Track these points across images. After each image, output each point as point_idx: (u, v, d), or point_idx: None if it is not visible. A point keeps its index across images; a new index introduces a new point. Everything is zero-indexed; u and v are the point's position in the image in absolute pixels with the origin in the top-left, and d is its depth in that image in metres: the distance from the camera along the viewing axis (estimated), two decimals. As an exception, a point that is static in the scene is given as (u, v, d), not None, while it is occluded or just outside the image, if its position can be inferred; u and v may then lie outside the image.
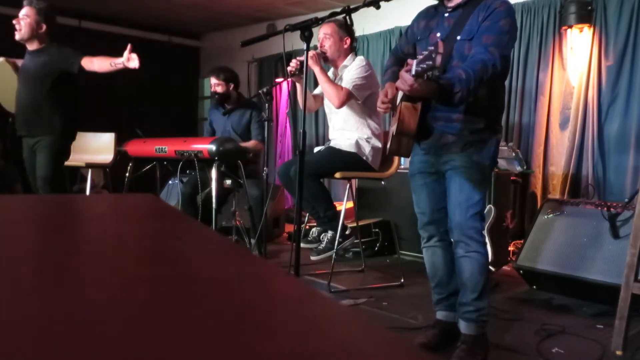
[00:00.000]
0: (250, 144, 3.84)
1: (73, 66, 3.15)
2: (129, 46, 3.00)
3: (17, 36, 3.20)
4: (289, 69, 2.94)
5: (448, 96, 1.83)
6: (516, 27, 2.00)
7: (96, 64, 3.10)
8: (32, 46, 3.26)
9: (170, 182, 4.87)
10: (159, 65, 7.18)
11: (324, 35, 3.12)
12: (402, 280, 3.24)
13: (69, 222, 1.00)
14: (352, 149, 3.05)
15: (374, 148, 3.09)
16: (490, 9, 1.94)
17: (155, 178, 4.45)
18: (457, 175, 2.04)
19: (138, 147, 3.81)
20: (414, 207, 2.26)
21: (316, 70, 2.96)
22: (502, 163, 4.04)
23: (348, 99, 2.98)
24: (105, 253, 0.70)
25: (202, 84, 7.77)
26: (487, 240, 2.19)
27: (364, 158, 3.06)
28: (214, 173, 3.31)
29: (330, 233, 3.05)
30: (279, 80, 4.41)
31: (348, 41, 3.14)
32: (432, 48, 1.66)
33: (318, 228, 3.17)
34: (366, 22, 5.18)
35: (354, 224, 3.45)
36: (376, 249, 4.12)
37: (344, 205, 3.29)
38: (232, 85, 4.01)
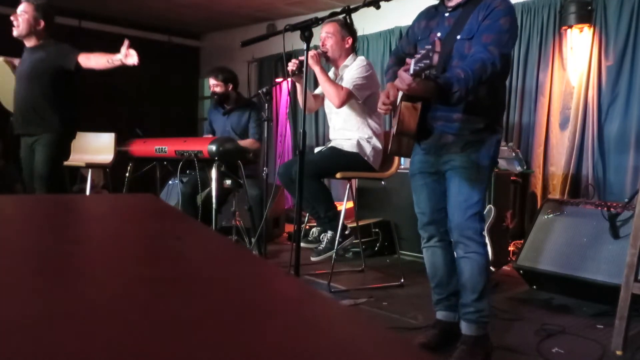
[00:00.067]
0: (246, 142, 3.84)
1: (70, 62, 3.13)
2: (126, 42, 2.97)
3: (15, 32, 3.19)
4: (289, 68, 2.94)
5: (446, 95, 1.82)
6: (517, 25, 2.00)
7: (93, 60, 3.09)
8: (29, 43, 3.25)
9: (170, 182, 4.87)
10: (159, 65, 7.18)
11: (326, 34, 3.12)
12: (402, 280, 3.24)
13: (69, 222, 1.00)
14: (354, 149, 3.05)
15: (374, 148, 3.09)
16: (490, 8, 1.94)
17: (155, 178, 4.45)
18: (457, 176, 2.04)
19: (138, 147, 3.81)
20: (414, 207, 2.26)
21: (316, 69, 2.96)
22: (502, 163, 4.04)
23: (348, 98, 2.98)
24: (105, 253, 0.70)
25: (202, 84, 7.77)
26: (487, 241, 2.18)
27: (365, 158, 3.07)
28: (214, 173, 3.31)
29: (329, 233, 3.05)
30: (278, 80, 4.41)
31: (350, 41, 3.14)
32: (430, 47, 1.66)
33: (318, 228, 3.17)
34: (366, 22, 5.18)
35: (354, 224, 3.45)
36: (376, 249, 4.12)
37: (344, 205, 3.29)
38: (230, 86, 4.01)
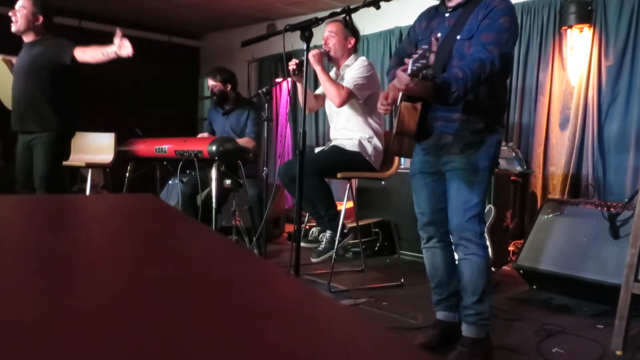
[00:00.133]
0: (242, 140, 3.83)
1: (65, 56, 3.11)
2: (118, 31, 2.94)
3: (13, 28, 3.18)
4: (289, 67, 2.95)
5: (444, 95, 1.82)
6: (517, 25, 1.99)
7: (89, 53, 3.07)
8: (28, 38, 3.23)
9: (170, 182, 4.87)
10: (159, 65, 7.19)
11: (329, 34, 3.12)
12: (402, 280, 3.24)
13: (69, 222, 1.00)
14: (356, 149, 3.06)
15: (375, 148, 3.10)
16: (489, 7, 1.93)
17: (155, 178, 4.46)
18: (456, 178, 2.03)
19: (138, 147, 3.81)
20: (414, 207, 2.26)
21: (317, 69, 2.96)
22: (502, 163, 4.04)
23: (349, 97, 2.98)
24: (106, 253, 0.70)
25: (202, 84, 7.77)
26: (487, 243, 2.18)
27: (367, 158, 3.07)
28: (214, 173, 3.31)
29: (328, 233, 3.05)
30: (279, 80, 4.41)
31: (352, 41, 3.15)
32: (426, 47, 1.66)
33: (318, 228, 3.17)
34: (366, 22, 5.17)
35: (354, 224, 3.45)
36: (376, 249, 4.12)
37: (344, 205, 3.29)
38: (229, 86, 4.01)
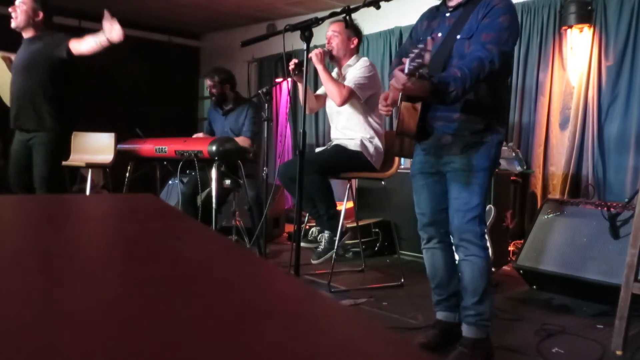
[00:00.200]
0: (238, 139, 3.82)
1: (62, 50, 3.11)
2: (106, 13, 2.93)
3: (13, 24, 3.18)
4: (290, 67, 2.95)
5: (442, 94, 1.81)
6: (517, 23, 1.98)
7: (83, 45, 3.07)
8: (27, 34, 3.23)
9: (170, 182, 4.87)
10: (159, 65, 7.19)
11: (332, 33, 3.13)
12: (402, 280, 3.24)
13: (69, 222, 1.00)
14: (358, 149, 3.06)
15: (376, 148, 3.10)
16: (489, 6, 1.93)
17: (155, 178, 4.46)
18: (456, 179, 2.03)
19: (138, 147, 3.81)
20: (414, 207, 2.26)
21: (319, 68, 2.97)
22: (502, 163, 4.04)
23: (350, 97, 2.98)
24: (105, 253, 0.70)
25: (202, 84, 7.77)
26: (488, 244, 2.18)
27: (369, 158, 3.07)
28: (214, 173, 3.31)
29: (327, 233, 3.05)
30: (279, 80, 4.41)
31: (355, 41, 3.16)
32: (422, 46, 1.65)
33: (317, 228, 3.17)
34: (366, 22, 5.15)
35: (354, 224, 3.45)
36: (376, 249, 4.12)
37: (344, 205, 3.29)
38: (228, 87, 4.01)
